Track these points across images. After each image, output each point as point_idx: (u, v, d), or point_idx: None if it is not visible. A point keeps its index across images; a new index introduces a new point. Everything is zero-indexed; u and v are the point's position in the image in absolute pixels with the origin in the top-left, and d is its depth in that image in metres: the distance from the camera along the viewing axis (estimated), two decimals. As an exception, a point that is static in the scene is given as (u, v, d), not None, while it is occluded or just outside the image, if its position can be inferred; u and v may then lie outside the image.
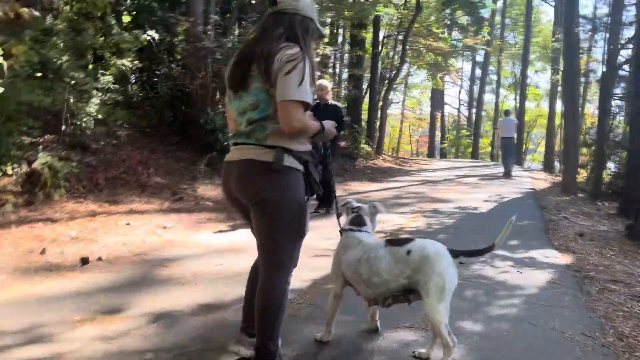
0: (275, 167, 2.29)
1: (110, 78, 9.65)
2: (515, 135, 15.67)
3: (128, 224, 5.96)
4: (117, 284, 4.00)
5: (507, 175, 14.78)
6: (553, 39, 25.58)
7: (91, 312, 3.37)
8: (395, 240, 2.82)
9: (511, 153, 15.55)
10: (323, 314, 3.42)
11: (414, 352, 2.85)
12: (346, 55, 22.20)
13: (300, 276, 4.31)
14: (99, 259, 4.67)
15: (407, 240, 2.74)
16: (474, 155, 32.31)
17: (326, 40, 18.73)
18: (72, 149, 7.64)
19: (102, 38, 9.55)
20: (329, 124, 2.51)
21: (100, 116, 8.65)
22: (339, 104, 6.72)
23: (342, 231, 2.91)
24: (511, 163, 15.34)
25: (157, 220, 6.37)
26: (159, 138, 10.54)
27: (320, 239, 5.73)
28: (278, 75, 2.24)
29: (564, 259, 5.36)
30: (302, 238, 2.46)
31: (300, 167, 2.37)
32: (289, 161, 2.32)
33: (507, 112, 16.65)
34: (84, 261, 4.54)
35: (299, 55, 2.26)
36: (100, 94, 8.81)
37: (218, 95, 11.70)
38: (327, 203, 7.15)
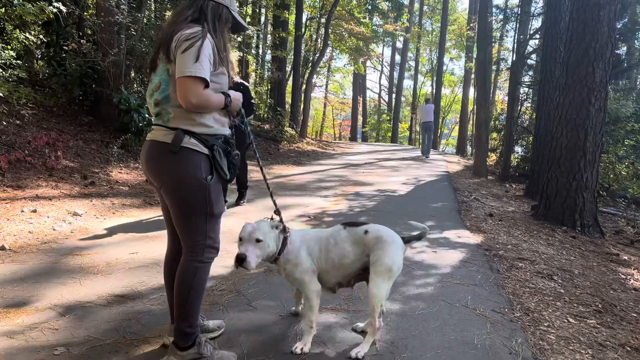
0: (172, 149, 2.32)
1: (12, 53, 8.89)
2: (432, 120, 17.23)
3: (34, 211, 5.56)
4: (23, 275, 3.72)
5: (425, 155, 16.73)
6: (468, 28, 26.65)
7: (-8, 307, 3.11)
8: (351, 223, 2.88)
9: (430, 136, 17.38)
10: (246, 300, 3.39)
11: (353, 327, 3.03)
12: (269, 37, 21.91)
13: (222, 262, 4.23)
14: (2, 248, 4.32)
15: (363, 223, 2.87)
16: (394, 139, 33.27)
17: (248, 20, 18.39)
18: (-32, 129, 6.98)
19: (2, 9, 8.76)
20: (234, 94, 2.51)
21: (1, 94, 7.95)
22: (247, 84, 6.56)
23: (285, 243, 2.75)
24: (429, 145, 17.31)
25: (67, 206, 5.98)
26: (68, 118, 9.90)
27: (242, 224, 5.65)
28: (176, 54, 2.28)
29: (475, 238, 5.65)
30: (212, 217, 2.44)
31: (203, 150, 2.37)
32: (189, 142, 2.34)
33: (427, 100, 18.49)
34: (-16, 251, 4.18)
35: (198, 33, 2.30)
36: (1, 71, 8.09)
37: (133, 74, 11.15)
38: (241, 194, 7.00)
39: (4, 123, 7.89)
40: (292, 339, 2.82)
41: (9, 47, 8.83)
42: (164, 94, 2.36)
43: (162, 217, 5.94)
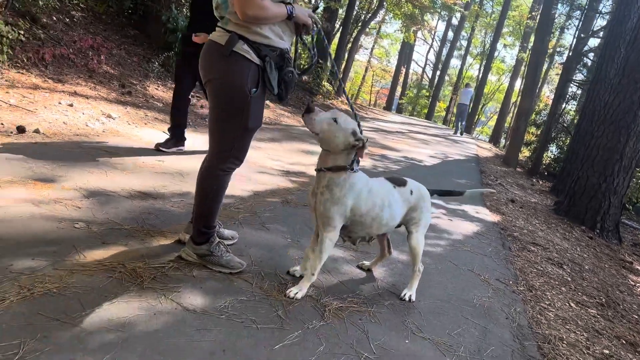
0: (223, 51, 2.26)
1: (71, -49, 8.90)
2: (469, 104, 18.65)
3: (71, 105, 5.69)
4: (53, 157, 3.85)
5: (455, 133, 17.97)
6: (529, 16, 25.75)
7: (23, 177, 3.24)
8: (396, 180, 2.78)
9: (464, 117, 18.65)
10: (260, 221, 3.47)
11: (359, 264, 3.09)
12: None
13: (243, 186, 4.32)
14: (37, 131, 4.46)
15: (404, 181, 2.79)
16: (429, 116, 32.80)
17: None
18: (21, 17, 7.09)
19: None
20: (301, 10, 2.36)
21: (55, -11, 8.02)
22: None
23: (339, 169, 2.44)
24: (462, 125, 18.52)
25: (102, 107, 6.11)
26: (115, 28, 9.95)
27: (266, 159, 5.73)
28: None
29: (493, 217, 5.64)
30: (246, 131, 2.39)
31: (254, 59, 2.28)
32: (241, 48, 2.27)
33: (467, 85, 19.89)
34: (20, 129, 4.32)
35: None
36: (57, -34, 8.13)
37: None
38: (172, 138, 5.19)
39: (54, 18, 7.98)
40: (296, 262, 2.88)
41: (71, -56, 8.82)
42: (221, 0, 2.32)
43: (189, 135, 6.05)
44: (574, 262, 4.75)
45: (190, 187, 3.91)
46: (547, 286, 3.72)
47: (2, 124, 4.39)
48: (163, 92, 8.42)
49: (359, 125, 2.47)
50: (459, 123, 18.43)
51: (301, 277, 2.63)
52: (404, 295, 2.74)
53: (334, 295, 2.58)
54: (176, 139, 5.17)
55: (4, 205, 2.71)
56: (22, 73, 6.19)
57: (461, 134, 18.14)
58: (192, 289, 2.28)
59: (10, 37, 6.25)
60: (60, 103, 5.62)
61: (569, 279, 4.10)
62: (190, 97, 5.34)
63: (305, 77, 18.15)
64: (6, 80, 5.67)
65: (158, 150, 4.92)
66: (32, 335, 1.70)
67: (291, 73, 2.36)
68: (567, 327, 3.04)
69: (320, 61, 2.96)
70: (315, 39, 2.56)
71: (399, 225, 2.82)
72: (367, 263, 3.07)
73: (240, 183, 4.39)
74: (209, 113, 2.44)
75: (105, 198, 3.22)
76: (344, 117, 2.41)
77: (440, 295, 2.95)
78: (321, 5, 21.52)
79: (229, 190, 3.90)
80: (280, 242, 3.19)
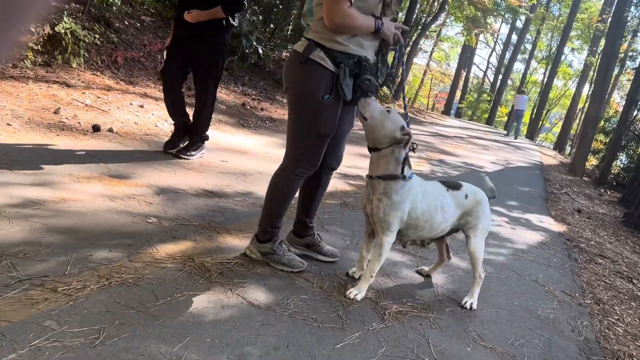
0: (301, 58, 2.34)
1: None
2: (524, 109, 19.18)
3: (141, 106, 5.97)
4: (126, 155, 4.06)
5: (507, 135, 18.97)
6: (599, 19, 24.63)
7: (99, 173, 3.44)
8: (449, 184, 2.76)
9: (520, 122, 19.62)
10: (319, 222, 3.51)
11: (417, 269, 3.07)
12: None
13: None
14: (110, 130, 4.72)
15: (459, 184, 2.77)
16: (489, 121, 31.96)
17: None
18: (97, 22, 7.51)
19: None
20: (389, 26, 2.37)
21: (128, -5, 8.43)
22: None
23: (392, 177, 2.42)
24: (516, 129, 19.32)
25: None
26: (183, 32, 10.33)
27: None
28: None
29: (558, 227, 5.44)
30: (318, 136, 2.42)
31: (330, 66, 2.31)
32: (317, 56, 2.32)
33: (522, 91, 20.14)
34: (96, 128, 4.58)
35: None
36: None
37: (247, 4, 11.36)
38: (192, 142, 4.54)
39: (126, 23, 8.39)
40: (355, 264, 2.90)
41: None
42: (308, 7, 2.39)
43: (252, 138, 6.20)
44: (645, 277, 4.51)
45: (252, 187, 4.02)
46: (615, 300, 3.56)
47: (79, 122, 4.68)
48: (226, 95, 8.66)
49: (408, 126, 2.46)
50: (514, 127, 19.41)
51: (359, 278, 2.65)
52: (465, 302, 2.71)
53: (394, 299, 2.58)
54: (193, 142, 4.51)
55: (84, 200, 2.89)
56: (97, 75, 6.55)
57: (515, 137, 18.65)
58: (257, 285, 2.35)
59: (87, 40, 6.64)
60: (131, 104, 5.90)
61: (640, 294, 3.90)
62: (183, 90, 4.68)
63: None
64: (82, 82, 6.02)
65: (179, 157, 4.35)
66: (111, 322, 1.81)
67: (368, 81, 2.34)
68: (638, 343, 2.90)
69: (393, 76, 2.93)
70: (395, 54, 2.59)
71: (455, 230, 2.78)
72: (426, 268, 3.05)
73: (301, 184, 4.46)
74: (288, 119, 2.51)
75: (175, 195, 3.36)
76: (396, 113, 2.44)
77: (503, 304, 2.89)
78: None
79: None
80: (339, 244, 3.22)
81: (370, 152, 2.50)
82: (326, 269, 2.74)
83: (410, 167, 2.48)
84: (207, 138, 4.67)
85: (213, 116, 5.99)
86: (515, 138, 18.46)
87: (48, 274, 2.03)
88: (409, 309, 2.49)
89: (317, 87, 2.33)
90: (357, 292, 2.47)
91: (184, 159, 4.36)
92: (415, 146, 2.48)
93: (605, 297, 3.53)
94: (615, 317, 3.21)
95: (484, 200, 2.77)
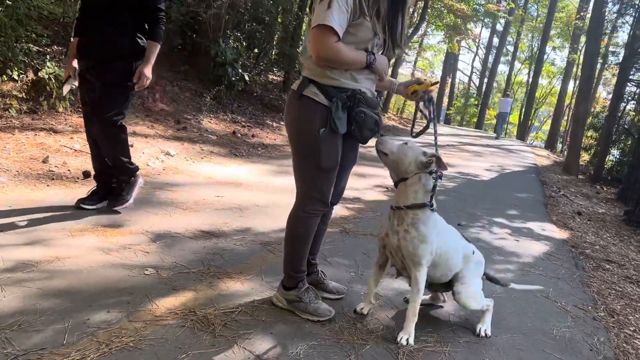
0: (295, 96, 2.34)
1: (124, -5, 9.33)
2: (508, 111, 21.50)
3: (131, 145, 5.85)
4: (118, 201, 3.98)
5: (497, 138, 19.82)
6: (577, 17, 24.92)
7: (92, 224, 3.36)
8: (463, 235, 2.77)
9: (504, 123, 21.86)
10: (322, 255, 3.44)
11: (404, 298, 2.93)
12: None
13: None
14: (101, 175, 4.63)
15: (468, 240, 2.76)
16: (479, 125, 32.08)
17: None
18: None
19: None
20: (382, 63, 2.35)
21: (110, 33, 8.40)
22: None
23: (420, 206, 2.40)
24: (501, 129, 21.25)
25: (161, 145, 6.31)
26: (167, 65, 10.31)
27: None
28: (315, 5, 2.22)
29: (560, 234, 5.38)
30: (321, 171, 2.38)
31: (323, 100, 2.29)
32: (311, 92, 2.30)
33: (506, 95, 22.30)
34: (86, 175, 4.50)
35: None
36: (112, 11, 8.53)
37: (231, 28, 11.39)
38: (110, 195, 3.77)
39: (111, 62, 8.36)
40: (362, 298, 2.82)
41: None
42: (304, 45, 2.40)
43: (245, 167, 6.14)
44: (655, 279, 4.45)
45: (250, 222, 3.95)
46: (629, 309, 3.48)
47: (69, 170, 4.60)
48: (216, 125, 8.62)
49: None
50: (499, 128, 21.02)
51: (368, 313, 2.64)
52: (479, 330, 2.63)
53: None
54: (100, 193, 3.74)
55: (77, 256, 2.80)
56: (85, 117, 6.48)
57: (499, 137, 20.22)
58: (263, 334, 2.26)
59: (72, 84, 6.57)
60: (121, 144, 5.83)
61: (653, 300, 3.83)
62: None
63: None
64: (70, 126, 5.95)
65: (78, 207, 3.62)
66: (114, 393, 1.72)
67: (363, 113, 2.30)
68: (659, 356, 2.83)
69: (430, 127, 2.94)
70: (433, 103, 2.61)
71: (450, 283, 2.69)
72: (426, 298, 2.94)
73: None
74: (292, 159, 2.47)
75: (171, 240, 3.28)
76: (414, 143, 2.44)
77: (517, 327, 2.81)
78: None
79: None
80: (344, 277, 3.14)
81: (396, 186, 2.48)
82: (334, 306, 2.65)
83: (435, 200, 2.44)
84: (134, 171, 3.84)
85: (205, 148, 5.75)
86: (499, 137, 20.03)
87: (45, 345, 1.94)
88: (423, 345, 2.41)
89: (312, 122, 2.31)
90: (407, 336, 2.39)
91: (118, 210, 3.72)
92: (441, 174, 2.46)
93: (618, 307, 3.46)
94: (632, 329, 3.13)
95: (482, 262, 2.76)
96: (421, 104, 2.61)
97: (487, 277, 2.86)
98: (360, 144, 2.56)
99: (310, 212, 2.45)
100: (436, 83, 2.68)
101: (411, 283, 2.46)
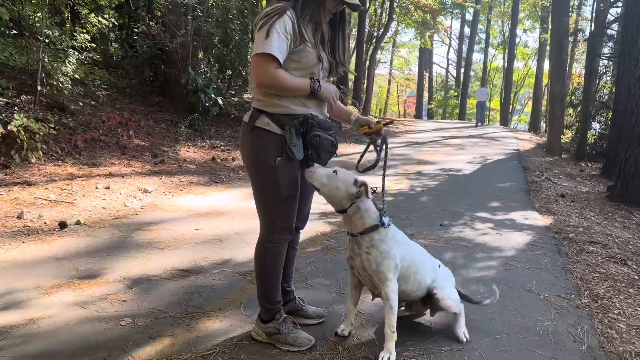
0: (248, 128, 2.36)
1: (87, 36, 9.35)
2: (485, 100, 22.59)
3: (108, 188, 5.87)
4: (95, 249, 3.96)
5: (477, 125, 21.16)
6: (543, -3, 25.17)
7: (68, 277, 3.33)
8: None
9: (483, 111, 22.90)
10: (303, 278, 3.42)
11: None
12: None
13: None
14: (78, 222, 4.61)
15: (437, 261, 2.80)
16: (461, 116, 32.26)
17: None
18: (50, 110, 7.45)
19: (77, -6, 9.21)
20: (327, 89, 2.38)
21: (77, 76, 8.41)
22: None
23: (373, 229, 2.42)
24: (482, 116, 22.84)
25: (138, 183, 6.28)
26: (140, 99, 10.32)
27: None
28: (255, 34, 2.26)
29: (544, 220, 5.41)
30: (282, 200, 2.38)
31: (276, 130, 2.31)
32: (262, 122, 2.32)
33: (483, 84, 25.00)
34: (62, 225, 4.47)
35: (277, 9, 2.22)
36: (77, 53, 8.53)
37: (200, 55, 11.42)
38: None
39: (81, 104, 8.35)
40: (343, 319, 2.81)
41: (84, 30, 9.28)
42: (249, 76, 2.39)
43: (225, 195, 6.12)
44: (638, 254, 4.47)
45: (229, 252, 3.94)
46: (613, 291, 3.49)
47: (45, 222, 4.57)
48: (194, 153, 8.61)
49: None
50: (480, 116, 22.27)
51: (349, 335, 2.64)
52: (461, 335, 2.62)
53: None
54: None
55: (53, 315, 2.78)
56: (58, 165, 6.46)
57: (481, 124, 21.62)
58: (242, 373, 2.25)
59: (42, 132, 6.56)
60: (97, 188, 5.81)
61: (636, 277, 3.84)
62: None
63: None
64: (44, 176, 5.92)
65: None
66: None
67: (318, 137, 2.31)
68: (644, 338, 2.83)
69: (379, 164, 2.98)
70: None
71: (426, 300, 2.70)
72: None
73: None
74: (252, 190, 2.47)
75: (148, 284, 3.26)
76: (343, 172, 2.40)
77: (500, 328, 2.81)
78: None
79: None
80: (325, 299, 3.13)
81: (340, 214, 2.47)
82: (313, 332, 2.64)
83: (385, 214, 2.46)
84: None
85: (184, 179, 5.63)
86: (480, 125, 21.48)
87: (18, 418, 1.91)
88: (405, 357, 2.40)
89: (268, 153, 2.32)
90: (388, 355, 2.38)
91: None
92: (374, 189, 2.47)
93: (602, 291, 3.46)
94: (616, 312, 3.14)
95: (451, 275, 2.80)
96: (371, 146, 2.64)
97: (461, 295, 2.86)
98: None
99: (276, 242, 2.45)
100: (389, 123, 2.66)
101: (383, 300, 2.46)
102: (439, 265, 2.74)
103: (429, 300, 2.65)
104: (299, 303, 2.79)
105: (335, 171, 2.36)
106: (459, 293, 2.81)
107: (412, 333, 2.70)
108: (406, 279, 2.51)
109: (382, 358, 2.37)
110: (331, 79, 2.62)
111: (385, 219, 2.42)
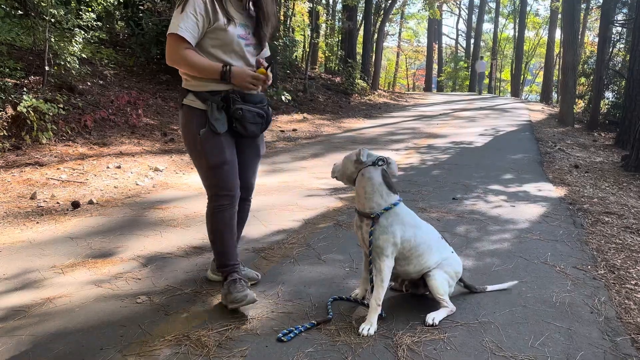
0: (178, 106, 2.65)
1: (93, 15, 9.25)
2: (484, 71, 27.28)
3: (119, 167, 5.88)
4: (109, 228, 3.97)
5: (480, 94, 25.05)
6: (555, -37, 24.51)
7: (83, 257, 3.35)
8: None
9: (482, 81, 27.73)
10: (316, 254, 3.43)
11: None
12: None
13: (295, 216, 4.31)
14: (91, 202, 4.63)
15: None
16: (471, 87, 31.83)
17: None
18: (58, 90, 7.44)
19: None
20: (241, 75, 2.48)
21: (84, 55, 8.36)
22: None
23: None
24: (481, 87, 27.68)
25: (149, 162, 6.28)
26: (147, 77, 10.27)
27: (312, 179, 5.69)
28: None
29: (558, 191, 5.34)
30: (211, 168, 2.57)
31: (200, 105, 2.51)
32: (188, 100, 2.54)
33: (481, 57, 28.12)
34: (75, 205, 4.49)
35: None
36: (83, 32, 8.46)
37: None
38: None
39: (89, 83, 8.32)
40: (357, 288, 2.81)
41: (90, 9, 9.18)
42: None
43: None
44: (656, 224, 4.41)
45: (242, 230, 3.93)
46: (630, 262, 3.46)
47: (58, 202, 4.59)
48: (203, 131, 8.58)
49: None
50: (480, 86, 26.88)
51: (363, 299, 2.71)
52: (426, 318, 2.51)
53: (405, 326, 2.49)
54: None
55: (69, 294, 2.79)
56: (69, 145, 6.47)
57: (480, 93, 25.52)
58: (258, 349, 2.25)
59: (52, 113, 6.55)
60: (108, 167, 5.82)
61: (654, 247, 3.80)
62: None
63: (337, 79, 18.08)
64: (55, 157, 5.94)
65: None
66: None
67: (240, 110, 2.50)
68: (662, 308, 2.80)
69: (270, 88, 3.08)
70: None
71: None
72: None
73: (292, 213, 4.38)
74: None
75: (163, 262, 3.27)
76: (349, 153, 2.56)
77: (516, 300, 2.79)
78: (340, 4, 21.36)
79: (281, 225, 3.91)
80: (338, 274, 3.13)
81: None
82: (332, 308, 2.63)
83: (395, 192, 2.52)
84: None
85: (184, 158, 5.78)
86: (480, 94, 25.51)
87: (39, 395, 1.94)
88: (422, 335, 2.39)
89: (193, 126, 2.53)
90: (369, 327, 2.42)
91: None
92: (387, 159, 2.54)
93: (619, 262, 3.43)
94: (633, 282, 3.11)
95: (456, 268, 2.71)
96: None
97: (464, 284, 2.85)
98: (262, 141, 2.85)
99: (217, 208, 2.63)
100: (268, 67, 2.70)
101: (374, 271, 2.49)
102: (452, 252, 2.74)
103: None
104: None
105: (345, 156, 2.55)
106: (465, 283, 2.83)
107: (425, 310, 2.68)
108: (407, 260, 2.56)
109: (363, 330, 2.40)
110: (264, 55, 2.76)
111: (393, 198, 2.50)
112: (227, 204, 2.62)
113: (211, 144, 2.52)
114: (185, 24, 2.33)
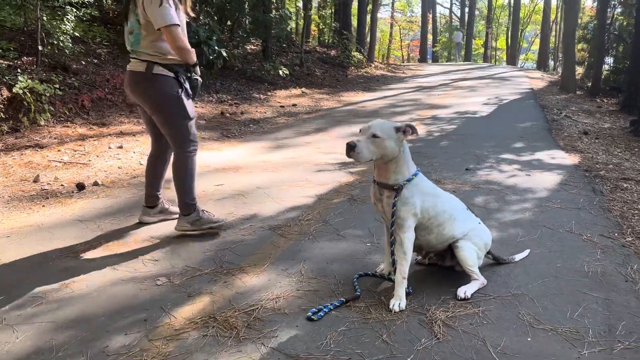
0: (147, 75, 3.02)
1: (83, -9, 8.94)
2: (461, 41, 30.35)
3: (121, 147, 5.73)
4: (118, 209, 3.86)
5: (457, 61, 25.39)
6: None
7: (95, 239, 3.24)
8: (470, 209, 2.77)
9: (460, 51, 30.24)
10: (334, 229, 3.33)
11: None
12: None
13: (306, 192, 4.20)
14: (96, 183, 4.50)
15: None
16: (467, 57, 31.56)
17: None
18: (53, 71, 7.22)
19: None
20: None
21: (77, 34, 8.10)
22: None
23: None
24: (458, 56, 30.22)
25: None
26: (143, 54, 10.00)
27: (319, 154, 5.57)
28: (144, 3, 2.88)
29: (571, 158, 5.26)
30: (190, 120, 3.17)
31: (169, 73, 3.03)
32: (159, 70, 3.02)
33: (457, 29, 30.59)
34: (80, 187, 4.37)
35: None
36: (74, 10, 8.18)
37: (197, 7, 10.99)
38: None
39: (83, 62, 8.09)
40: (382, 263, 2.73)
41: (80, -15, 8.86)
42: (136, 37, 3.00)
43: (239, 149, 5.99)
44: (674, 189, 4.33)
45: (254, 207, 3.83)
46: (656, 228, 3.38)
47: (62, 185, 4.46)
48: (202, 108, 8.41)
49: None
50: (457, 54, 29.74)
51: (389, 275, 2.63)
52: (458, 291, 2.45)
53: (437, 301, 2.41)
54: None
55: (85, 278, 2.69)
56: (68, 126, 6.30)
57: (457, 61, 26.79)
58: (289, 329, 2.17)
59: (48, 94, 6.36)
60: (110, 147, 5.68)
61: (677, 212, 3.72)
62: None
63: (333, 52, 17.78)
64: (55, 138, 5.78)
65: None
66: None
67: (197, 80, 3.17)
68: (696, 273, 2.73)
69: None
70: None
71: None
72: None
73: (303, 189, 4.28)
74: (158, 122, 3.16)
75: (178, 243, 3.17)
76: (379, 125, 2.36)
77: (547, 271, 2.71)
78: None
79: (294, 202, 3.81)
80: (360, 249, 3.04)
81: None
82: (360, 285, 2.55)
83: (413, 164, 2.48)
84: None
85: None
86: (457, 61, 27.01)
87: (67, 385, 1.85)
88: (455, 310, 2.32)
89: (171, 87, 3.05)
90: (399, 302, 2.35)
91: None
92: (414, 130, 2.47)
93: (645, 228, 3.36)
94: (662, 249, 3.04)
95: (485, 239, 2.63)
96: None
97: (493, 257, 2.78)
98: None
99: (191, 152, 3.22)
100: None
101: (397, 245, 2.43)
102: (479, 223, 2.66)
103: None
104: (164, 204, 3.55)
105: (373, 135, 2.33)
106: (493, 256, 2.76)
107: (458, 281, 2.59)
108: (427, 230, 2.50)
109: (393, 306, 2.33)
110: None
111: (413, 169, 2.47)
112: (196, 148, 3.25)
113: (187, 102, 3.13)
114: (174, 13, 2.88)
